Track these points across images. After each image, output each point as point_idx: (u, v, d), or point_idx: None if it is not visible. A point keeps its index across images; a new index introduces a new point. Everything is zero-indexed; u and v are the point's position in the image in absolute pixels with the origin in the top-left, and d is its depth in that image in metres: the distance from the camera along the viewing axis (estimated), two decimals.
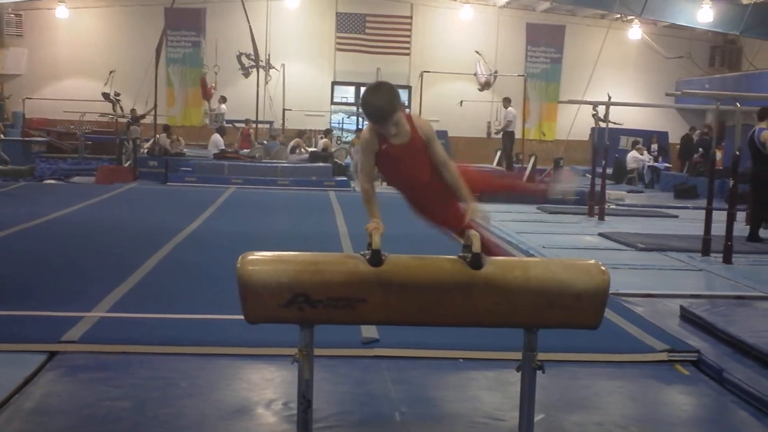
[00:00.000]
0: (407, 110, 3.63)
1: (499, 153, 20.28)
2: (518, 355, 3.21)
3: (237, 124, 21.11)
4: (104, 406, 3.77)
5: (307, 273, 2.98)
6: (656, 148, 21.47)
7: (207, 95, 22.07)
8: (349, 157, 18.48)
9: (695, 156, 19.96)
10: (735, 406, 4.15)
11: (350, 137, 24.28)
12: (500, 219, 10.98)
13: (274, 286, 2.94)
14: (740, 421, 4.02)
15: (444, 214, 3.88)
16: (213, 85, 22.19)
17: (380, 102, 3.47)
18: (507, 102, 19.03)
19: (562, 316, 3.11)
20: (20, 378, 4.02)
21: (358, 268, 3.02)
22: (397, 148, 3.57)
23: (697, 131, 21.32)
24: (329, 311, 2.99)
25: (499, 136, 19.37)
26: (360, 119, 24.80)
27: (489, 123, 23.64)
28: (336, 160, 17.92)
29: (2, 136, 19.17)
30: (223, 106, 21.33)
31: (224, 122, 21.06)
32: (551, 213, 12.48)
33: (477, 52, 21.18)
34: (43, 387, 4.00)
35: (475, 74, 21.29)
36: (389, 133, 3.52)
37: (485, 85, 21.95)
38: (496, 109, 23.72)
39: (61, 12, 23.73)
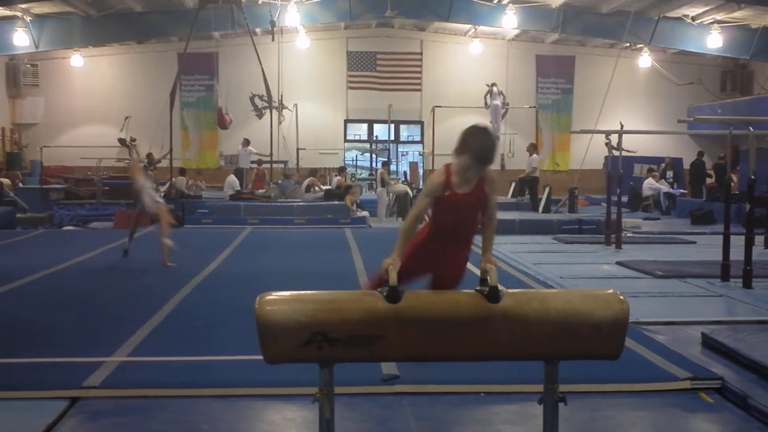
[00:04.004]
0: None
1: (513, 185, 20.37)
2: (539, 388, 3.19)
3: (262, 159, 21.09)
4: None
5: (325, 312, 2.99)
6: (671, 175, 21.42)
7: (223, 124, 21.66)
8: (374, 193, 18.53)
9: (710, 181, 19.89)
10: None
11: (364, 174, 24.38)
12: (517, 251, 10.96)
13: (292, 325, 2.95)
14: None
15: (453, 262, 3.81)
16: (229, 115, 22.15)
17: (494, 147, 3.46)
18: (532, 149, 19.16)
19: (582, 347, 3.10)
20: (42, 425, 4.03)
21: (376, 306, 3.02)
22: (459, 197, 3.49)
23: (706, 157, 21.27)
24: (348, 349, 2.99)
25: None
26: (374, 156, 24.92)
27: (502, 155, 23.70)
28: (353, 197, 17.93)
29: (21, 185, 19.41)
30: (250, 147, 21.27)
31: (251, 163, 21.09)
32: (568, 243, 12.43)
33: (494, 84, 21.27)
34: None
35: (486, 105, 21.36)
36: (468, 178, 3.46)
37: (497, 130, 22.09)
38: (510, 140, 23.80)
39: (76, 61, 24.11)
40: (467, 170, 3.46)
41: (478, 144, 3.43)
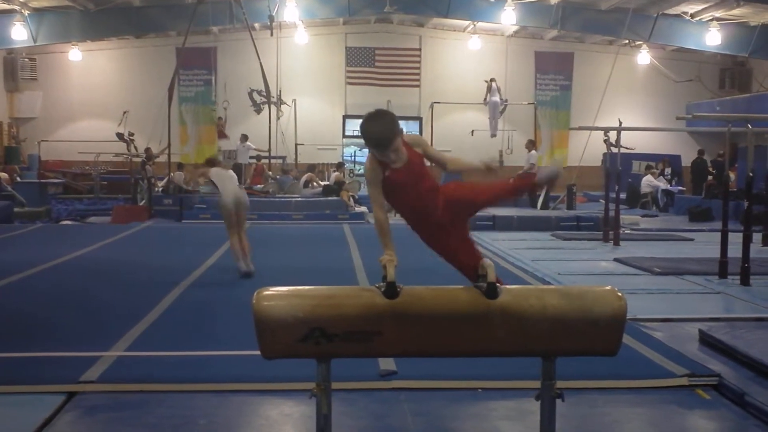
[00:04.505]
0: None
1: (512, 181, 20.30)
2: (537, 384, 3.20)
3: (261, 154, 21.14)
4: None
5: (323, 307, 2.99)
6: (669, 172, 21.43)
7: (221, 135, 22.30)
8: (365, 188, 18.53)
9: (709, 179, 19.90)
10: (758, 430, 4.10)
11: (362, 170, 24.39)
12: (515, 247, 10.96)
13: (290, 321, 2.95)
14: None
15: (455, 247, 3.85)
16: (223, 126, 22.49)
17: (380, 129, 3.51)
18: (531, 145, 19.16)
19: (579, 344, 3.10)
20: (40, 419, 4.03)
21: (374, 301, 3.02)
22: (399, 172, 3.59)
23: (705, 155, 21.27)
24: (346, 345, 2.99)
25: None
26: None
27: (501, 151, 23.69)
28: (350, 193, 17.93)
29: (18, 179, 19.38)
30: (248, 143, 21.29)
31: (250, 159, 21.12)
32: (566, 239, 12.44)
33: (492, 80, 21.24)
34: (62, 428, 4.01)
35: (485, 101, 21.36)
36: (389, 160, 3.54)
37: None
38: (508, 137, 23.78)
39: (74, 55, 24.05)
40: (379, 156, 3.56)
41: (362, 130, 3.55)
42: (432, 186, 3.71)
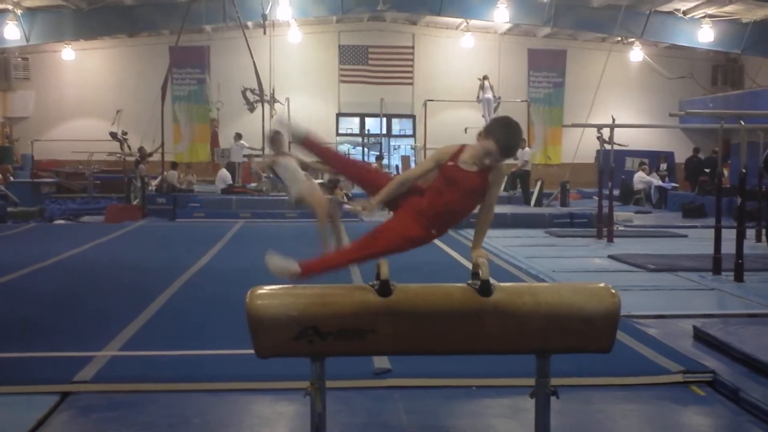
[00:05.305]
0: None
1: (505, 178, 20.35)
2: (532, 381, 3.20)
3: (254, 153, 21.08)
4: None
5: (316, 306, 2.99)
6: (665, 168, 21.49)
7: (216, 144, 22.55)
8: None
9: (703, 176, 19.95)
10: (752, 426, 4.11)
11: None
12: (509, 244, 10.97)
13: (283, 319, 2.94)
14: None
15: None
16: (217, 125, 22.49)
17: (517, 140, 3.44)
18: (523, 143, 19.14)
19: (573, 341, 3.10)
20: (33, 420, 4.02)
21: (367, 299, 3.02)
22: (461, 172, 3.42)
23: (700, 152, 21.33)
24: (339, 343, 2.99)
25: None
26: (366, 150, 24.89)
27: None
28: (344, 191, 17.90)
29: (12, 179, 19.32)
30: (242, 141, 21.21)
31: (244, 157, 21.06)
32: (560, 237, 12.45)
33: (485, 77, 21.23)
34: (56, 428, 4.00)
35: (478, 99, 21.37)
36: (482, 164, 3.40)
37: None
38: None
39: (67, 54, 23.99)
40: (485, 155, 3.40)
41: (508, 135, 3.41)
42: (463, 210, 3.56)
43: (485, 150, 3.40)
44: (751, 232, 10.80)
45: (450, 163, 3.42)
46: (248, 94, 23.28)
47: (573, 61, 25.30)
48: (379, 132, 25.30)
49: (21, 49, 23.37)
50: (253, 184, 19.05)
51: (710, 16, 21.57)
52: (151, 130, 19.20)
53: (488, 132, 3.43)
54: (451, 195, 3.44)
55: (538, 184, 18.14)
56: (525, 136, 21.21)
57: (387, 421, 4.11)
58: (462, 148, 3.46)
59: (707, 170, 19.73)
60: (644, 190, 19.93)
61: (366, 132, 25.65)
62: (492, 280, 3.10)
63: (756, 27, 21.68)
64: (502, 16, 22.01)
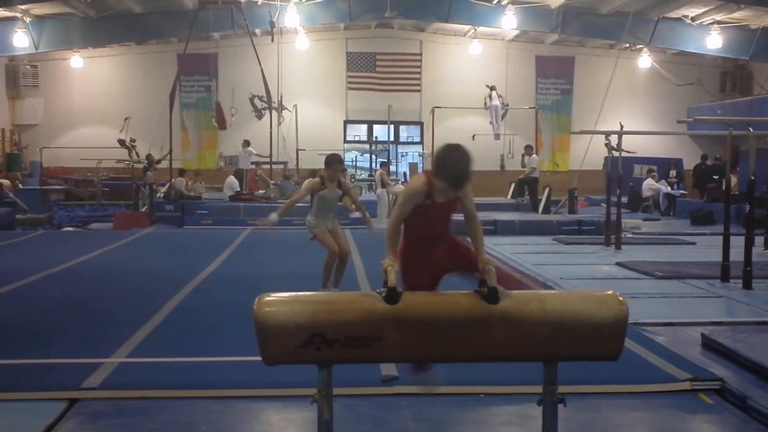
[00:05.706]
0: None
1: (513, 185, 20.37)
2: (539, 389, 3.19)
3: (261, 160, 21.00)
4: None
5: (324, 313, 2.99)
6: (675, 175, 21.44)
7: (222, 123, 21.05)
8: (373, 194, 18.54)
9: (711, 183, 19.89)
10: None
11: (363, 175, 24.36)
12: (516, 251, 10.96)
13: (291, 326, 2.94)
14: None
15: (441, 248, 3.79)
16: (232, 116, 21.82)
17: (466, 169, 3.37)
18: (529, 149, 19.19)
19: (581, 348, 3.09)
20: (41, 426, 4.03)
21: (375, 307, 3.02)
22: (436, 206, 3.49)
23: (708, 159, 21.27)
24: (347, 350, 2.99)
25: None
26: (374, 157, 24.92)
27: (502, 156, 23.69)
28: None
29: (20, 186, 19.40)
30: (250, 148, 21.13)
31: (251, 164, 21.02)
32: (567, 244, 12.43)
33: (493, 87, 21.25)
34: None
35: (485, 106, 21.39)
36: (444, 197, 3.45)
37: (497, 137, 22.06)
38: (509, 141, 23.79)
39: (76, 62, 24.10)
40: (445, 190, 3.44)
41: (451, 167, 3.37)
42: (446, 229, 3.65)
43: (443, 188, 3.43)
44: (759, 240, 10.77)
45: (428, 202, 3.48)
46: (256, 101, 23.37)
47: (581, 68, 25.29)
48: (386, 139, 25.33)
49: (30, 57, 23.48)
50: (261, 192, 19.09)
51: (719, 22, 21.54)
52: (159, 137, 19.27)
53: (437, 170, 3.40)
54: (431, 225, 3.57)
55: (547, 191, 18.13)
56: (533, 142, 21.25)
57: (394, 429, 4.11)
58: (429, 180, 3.45)
59: (716, 177, 19.69)
60: (653, 197, 19.88)
61: (374, 139, 25.69)
62: (499, 288, 3.10)
63: (765, 33, 21.63)
64: (509, 23, 22.02)
